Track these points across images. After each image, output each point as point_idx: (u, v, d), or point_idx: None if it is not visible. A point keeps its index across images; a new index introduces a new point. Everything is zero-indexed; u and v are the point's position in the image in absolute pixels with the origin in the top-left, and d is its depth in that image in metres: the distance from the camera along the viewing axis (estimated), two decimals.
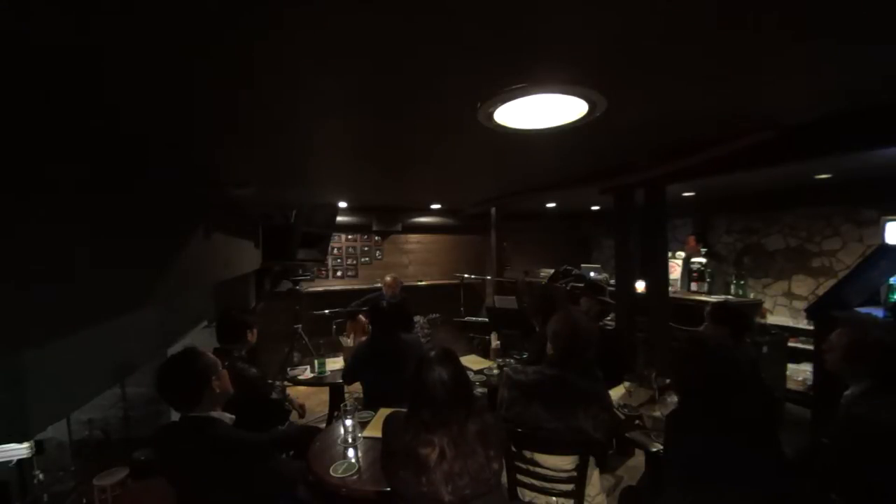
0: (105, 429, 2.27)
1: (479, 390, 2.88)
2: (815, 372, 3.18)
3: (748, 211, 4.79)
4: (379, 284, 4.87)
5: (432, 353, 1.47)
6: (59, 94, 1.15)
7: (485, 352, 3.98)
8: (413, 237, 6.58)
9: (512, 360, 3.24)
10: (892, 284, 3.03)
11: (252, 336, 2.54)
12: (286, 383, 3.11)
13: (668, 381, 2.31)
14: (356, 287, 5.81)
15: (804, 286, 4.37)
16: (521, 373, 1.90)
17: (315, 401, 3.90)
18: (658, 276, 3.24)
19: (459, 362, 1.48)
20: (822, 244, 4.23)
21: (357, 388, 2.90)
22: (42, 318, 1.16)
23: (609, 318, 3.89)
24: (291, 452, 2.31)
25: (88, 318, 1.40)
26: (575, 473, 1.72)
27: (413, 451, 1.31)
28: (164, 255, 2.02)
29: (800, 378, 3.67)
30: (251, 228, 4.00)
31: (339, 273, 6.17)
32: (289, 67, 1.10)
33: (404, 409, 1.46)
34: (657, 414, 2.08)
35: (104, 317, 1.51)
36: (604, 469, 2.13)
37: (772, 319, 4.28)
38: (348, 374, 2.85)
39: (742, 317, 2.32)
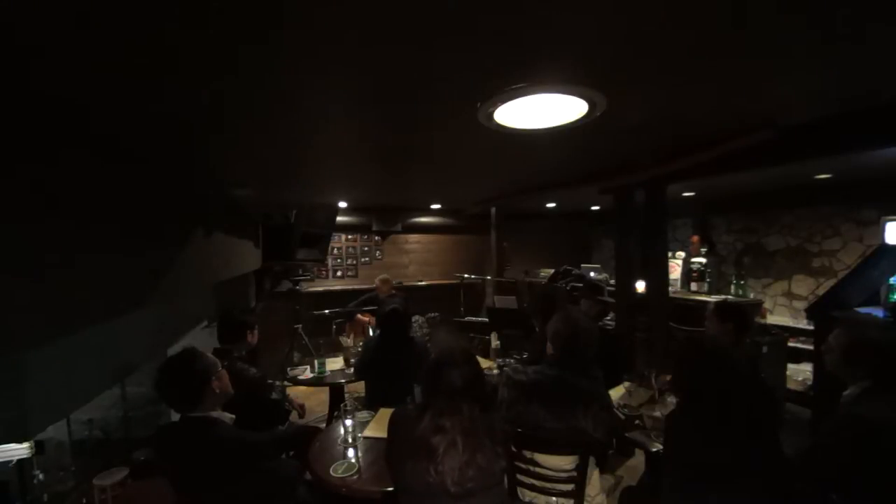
0: (105, 429, 2.27)
1: None
2: (815, 372, 3.18)
3: (748, 211, 4.79)
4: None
5: (453, 350, 1.48)
6: (58, 96, 1.16)
7: (485, 352, 3.97)
8: (413, 237, 6.58)
9: (512, 360, 3.24)
10: (892, 284, 3.03)
11: (252, 336, 2.55)
12: (286, 383, 3.11)
13: (668, 377, 2.31)
14: (356, 287, 5.80)
15: (804, 286, 4.37)
16: (521, 373, 1.90)
17: (315, 401, 3.90)
18: (658, 276, 3.24)
19: (478, 362, 1.49)
20: (822, 244, 4.23)
21: (357, 387, 2.91)
22: (42, 319, 1.16)
23: (609, 317, 3.89)
24: (291, 452, 2.31)
25: (88, 318, 1.40)
26: (575, 473, 1.72)
27: (424, 438, 1.31)
28: (164, 255, 2.02)
29: (800, 378, 3.67)
30: (251, 228, 4.00)
31: (339, 273, 6.17)
32: (288, 68, 1.10)
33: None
34: (657, 414, 2.07)
35: (104, 317, 1.51)
36: (604, 469, 2.13)
37: (772, 319, 4.29)
38: (357, 373, 2.93)
39: (744, 315, 2.33)
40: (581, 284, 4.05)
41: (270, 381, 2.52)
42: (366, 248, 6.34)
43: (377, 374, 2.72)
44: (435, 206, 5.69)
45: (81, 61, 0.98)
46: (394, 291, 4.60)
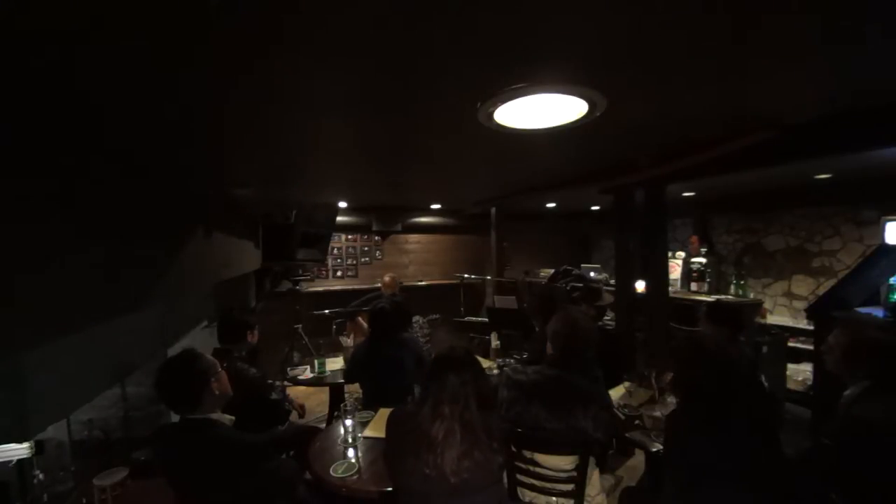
0: (105, 429, 2.27)
1: None
2: (815, 372, 3.18)
3: (748, 211, 4.79)
4: (378, 284, 4.88)
5: (454, 348, 1.49)
6: (58, 96, 1.16)
7: (485, 352, 3.98)
8: (413, 237, 6.58)
9: (512, 360, 3.24)
10: (892, 284, 3.03)
11: (252, 337, 2.54)
12: (286, 383, 3.11)
13: (668, 377, 2.30)
14: (356, 287, 5.80)
15: (804, 286, 4.37)
16: (521, 373, 1.90)
17: (315, 401, 3.90)
18: (658, 276, 3.24)
19: (479, 362, 1.50)
20: (822, 244, 4.23)
21: (357, 388, 2.91)
22: (42, 319, 1.16)
23: (609, 317, 3.89)
24: (291, 452, 2.31)
25: (88, 318, 1.40)
26: (575, 473, 1.72)
27: (423, 429, 1.32)
28: (164, 255, 2.02)
29: (800, 378, 3.68)
30: (251, 228, 4.00)
31: (339, 273, 6.17)
32: (289, 68, 1.10)
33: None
34: (657, 414, 2.07)
35: (104, 317, 1.51)
36: (604, 469, 2.13)
37: (772, 319, 4.28)
38: (347, 375, 2.91)
39: (737, 315, 2.31)
40: (581, 285, 4.05)
41: (270, 382, 2.52)
42: (366, 248, 6.34)
43: (369, 376, 2.71)
44: (435, 206, 5.69)
45: (82, 51, 0.98)
46: (397, 291, 4.58)
